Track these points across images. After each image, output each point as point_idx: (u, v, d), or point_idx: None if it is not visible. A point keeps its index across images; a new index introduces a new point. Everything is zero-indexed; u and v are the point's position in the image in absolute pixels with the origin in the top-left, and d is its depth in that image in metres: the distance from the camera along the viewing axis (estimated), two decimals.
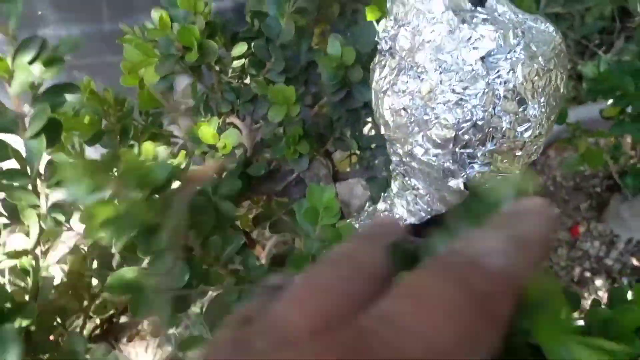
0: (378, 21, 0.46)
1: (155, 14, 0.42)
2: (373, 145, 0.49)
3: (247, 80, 0.48)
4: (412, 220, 0.38)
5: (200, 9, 0.41)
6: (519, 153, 0.33)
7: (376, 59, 0.36)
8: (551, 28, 0.33)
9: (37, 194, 0.31)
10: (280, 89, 0.42)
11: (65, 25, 0.95)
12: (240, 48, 0.46)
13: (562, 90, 0.33)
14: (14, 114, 0.28)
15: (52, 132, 0.28)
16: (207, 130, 0.44)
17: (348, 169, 0.52)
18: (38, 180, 0.31)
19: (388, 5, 0.35)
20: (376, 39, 0.36)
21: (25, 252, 0.33)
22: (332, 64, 0.42)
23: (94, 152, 0.48)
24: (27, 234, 0.33)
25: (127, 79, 0.48)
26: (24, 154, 0.29)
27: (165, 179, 0.24)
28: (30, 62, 0.27)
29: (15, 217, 0.33)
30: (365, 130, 0.51)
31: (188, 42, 0.41)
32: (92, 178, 0.20)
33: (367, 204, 0.44)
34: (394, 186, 0.39)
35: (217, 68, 0.47)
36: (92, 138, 0.44)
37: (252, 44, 0.45)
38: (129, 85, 0.49)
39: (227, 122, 0.48)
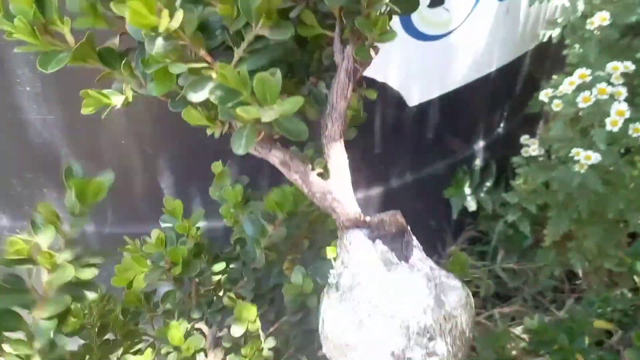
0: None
1: (154, 233, 0.52)
2: None
3: (221, 293, 0.57)
4: None
5: (192, 233, 0.52)
6: None
7: (326, 289, 0.45)
8: (459, 284, 0.43)
9: None
10: (245, 306, 0.51)
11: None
12: (219, 266, 0.56)
13: (467, 334, 0.41)
14: (38, 297, 0.35)
15: (63, 317, 0.35)
16: (176, 333, 0.51)
17: None
18: None
19: (337, 249, 0.45)
20: (328, 273, 0.45)
21: None
22: (293, 290, 0.51)
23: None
24: None
25: (118, 281, 0.56)
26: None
27: None
28: (71, 262, 0.36)
29: None
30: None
31: (176, 259, 0.50)
32: None
33: None
34: None
35: (197, 280, 0.56)
36: (73, 331, 0.50)
37: (230, 265, 0.55)
38: (119, 285, 0.57)
39: (195, 328, 0.55)
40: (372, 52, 0.42)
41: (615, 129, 0.84)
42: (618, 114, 0.84)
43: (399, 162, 1.16)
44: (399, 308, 0.39)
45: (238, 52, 0.38)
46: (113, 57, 0.41)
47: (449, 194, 1.27)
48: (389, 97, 1.02)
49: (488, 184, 1.35)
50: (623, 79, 0.89)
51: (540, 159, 1.26)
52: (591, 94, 0.86)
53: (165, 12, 0.31)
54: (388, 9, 0.44)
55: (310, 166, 0.44)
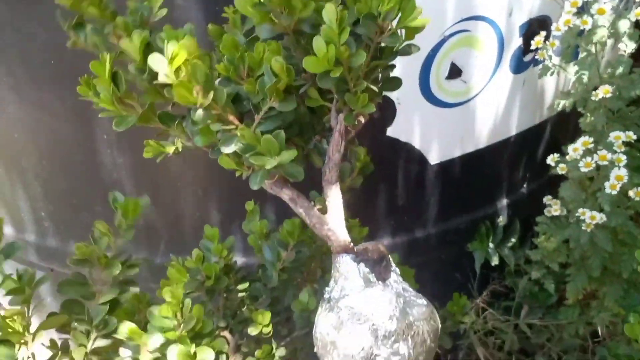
0: None
1: (194, 252, 0.65)
2: None
3: (244, 309, 0.69)
4: None
5: (224, 255, 0.65)
6: None
7: (321, 301, 0.56)
8: (425, 302, 0.53)
9: None
10: (261, 312, 0.63)
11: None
12: (243, 285, 0.68)
13: (428, 342, 0.51)
14: (95, 289, 0.50)
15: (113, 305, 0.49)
16: None
17: None
18: None
19: (332, 271, 0.57)
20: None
21: None
22: (300, 306, 0.63)
23: None
24: None
25: (164, 291, 0.69)
26: None
27: None
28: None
29: None
30: None
31: (209, 273, 0.63)
32: None
33: None
34: None
35: (224, 295, 0.68)
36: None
37: (253, 284, 0.67)
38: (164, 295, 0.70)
39: (220, 335, 0.67)
40: (361, 119, 0.55)
41: (614, 192, 0.92)
42: (617, 179, 0.92)
43: (422, 215, 1.26)
44: (371, 315, 0.50)
45: (257, 118, 0.52)
46: (169, 119, 0.56)
47: (472, 247, 1.36)
48: (411, 155, 1.15)
49: (513, 240, 1.42)
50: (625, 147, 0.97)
51: (562, 219, 1.33)
52: (592, 159, 0.95)
53: (200, 93, 0.46)
54: (380, 84, 0.57)
55: (312, 203, 0.57)
